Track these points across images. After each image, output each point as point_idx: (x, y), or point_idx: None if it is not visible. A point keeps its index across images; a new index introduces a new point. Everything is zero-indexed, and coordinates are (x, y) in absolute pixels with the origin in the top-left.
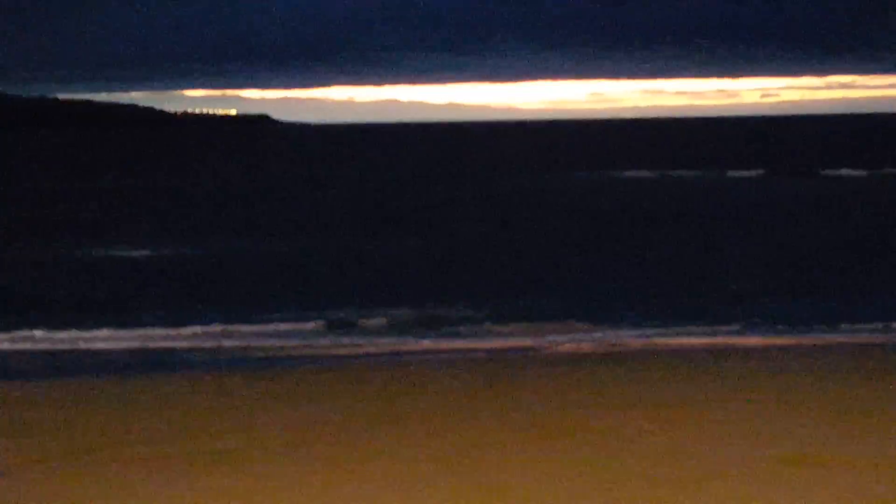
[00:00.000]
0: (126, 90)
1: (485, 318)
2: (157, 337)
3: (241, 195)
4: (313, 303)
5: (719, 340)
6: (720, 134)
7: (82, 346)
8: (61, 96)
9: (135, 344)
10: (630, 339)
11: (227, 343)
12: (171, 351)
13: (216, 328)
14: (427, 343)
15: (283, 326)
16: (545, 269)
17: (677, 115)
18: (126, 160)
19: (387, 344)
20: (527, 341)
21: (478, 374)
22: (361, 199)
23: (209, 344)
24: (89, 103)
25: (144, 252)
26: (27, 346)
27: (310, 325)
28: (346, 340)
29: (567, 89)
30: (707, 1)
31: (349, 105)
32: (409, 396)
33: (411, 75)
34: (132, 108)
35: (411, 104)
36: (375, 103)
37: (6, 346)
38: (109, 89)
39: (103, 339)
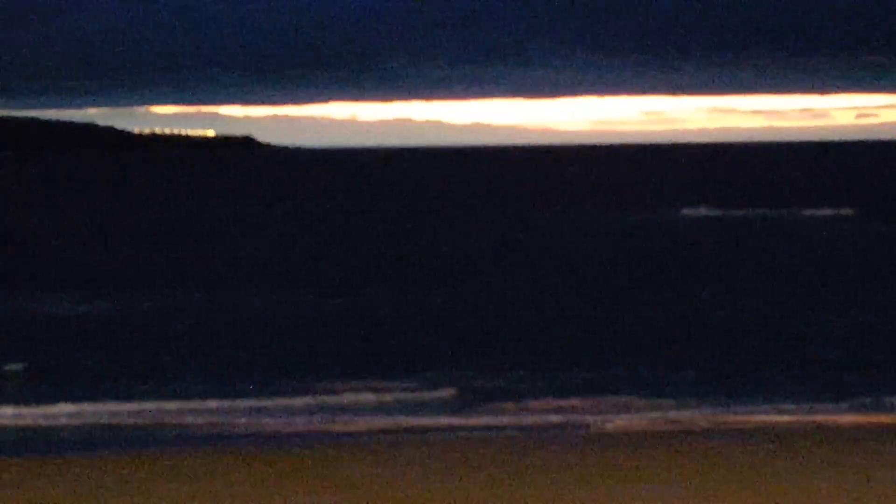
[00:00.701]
0: (81, 106)
1: (519, 389)
2: (125, 412)
3: (218, 234)
4: (298, 371)
5: (806, 418)
6: (804, 162)
7: (32, 421)
8: (0, 112)
9: (93, 419)
10: (695, 414)
11: (197, 419)
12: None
13: (188, 403)
14: (454, 419)
15: (265, 402)
16: (586, 328)
17: (753, 138)
18: (79, 190)
19: (392, 421)
20: (567, 417)
21: (509, 458)
22: (365, 241)
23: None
24: (34, 121)
25: (96, 306)
26: None
27: (303, 401)
28: (365, 418)
29: (617, 107)
30: (787, 1)
31: (351, 125)
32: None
33: (427, 89)
34: (88, 128)
35: (427, 124)
36: (384, 123)
37: None
38: (60, 105)
39: (58, 415)
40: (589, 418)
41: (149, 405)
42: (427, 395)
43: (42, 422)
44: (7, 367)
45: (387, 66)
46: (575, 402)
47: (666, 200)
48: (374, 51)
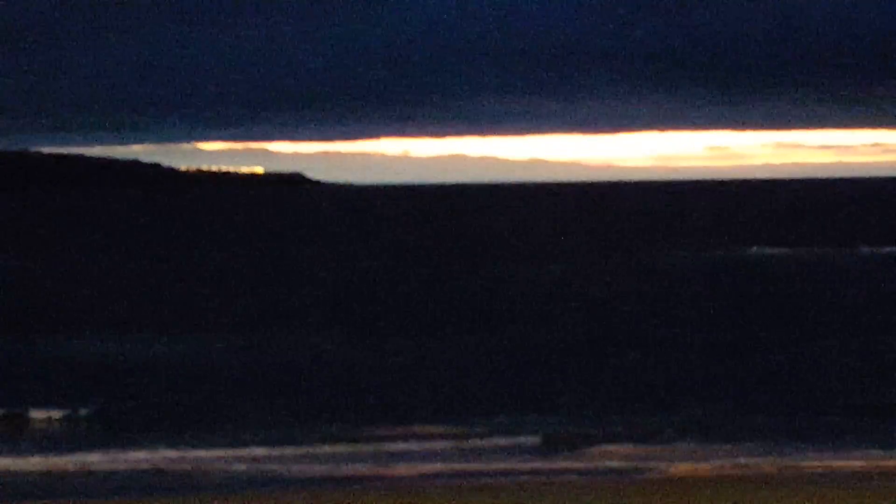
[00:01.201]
0: (126, 142)
1: (591, 434)
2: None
3: (268, 274)
4: (367, 415)
5: (877, 462)
6: (875, 199)
7: (72, 467)
8: (44, 149)
9: (143, 465)
10: (760, 459)
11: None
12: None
13: (241, 451)
14: (537, 464)
15: (297, 450)
16: (650, 371)
17: (820, 174)
18: (125, 230)
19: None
20: (632, 462)
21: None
22: (423, 281)
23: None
24: (80, 158)
25: (149, 348)
26: (20, 465)
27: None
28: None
29: (680, 142)
30: (857, 30)
31: (404, 161)
32: None
33: (482, 124)
34: (133, 165)
35: (482, 160)
36: (437, 159)
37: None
38: (105, 141)
39: (99, 462)
40: (659, 464)
41: (200, 452)
42: (507, 441)
43: (109, 466)
44: (75, 412)
45: (440, 101)
46: (645, 447)
47: (731, 239)
48: (427, 85)
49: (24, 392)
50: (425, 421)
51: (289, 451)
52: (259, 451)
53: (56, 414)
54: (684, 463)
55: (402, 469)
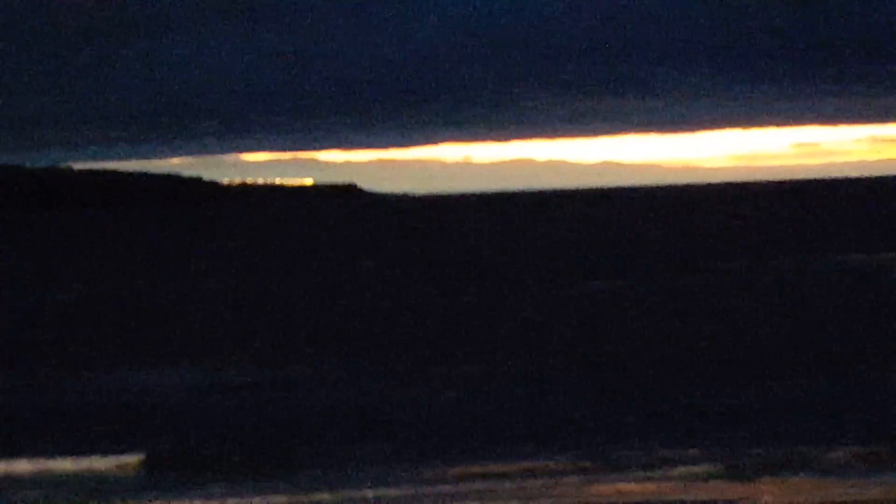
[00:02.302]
0: (164, 155)
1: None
2: None
3: (323, 295)
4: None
5: None
6: None
7: None
8: (77, 165)
9: None
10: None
11: None
12: None
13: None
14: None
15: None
16: (743, 392)
17: None
18: (164, 249)
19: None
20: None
21: None
22: (483, 300)
23: None
24: (114, 173)
25: (204, 379)
26: None
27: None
28: None
29: (764, 139)
30: None
31: (465, 168)
32: None
33: (551, 126)
34: (172, 179)
35: (551, 165)
36: (502, 165)
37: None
38: (141, 154)
39: None
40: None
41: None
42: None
43: None
44: (122, 458)
45: (502, 102)
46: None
47: (825, 244)
48: (488, 85)
49: (70, 435)
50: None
51: (382, 492)
52: (329, 497)
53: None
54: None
55: None
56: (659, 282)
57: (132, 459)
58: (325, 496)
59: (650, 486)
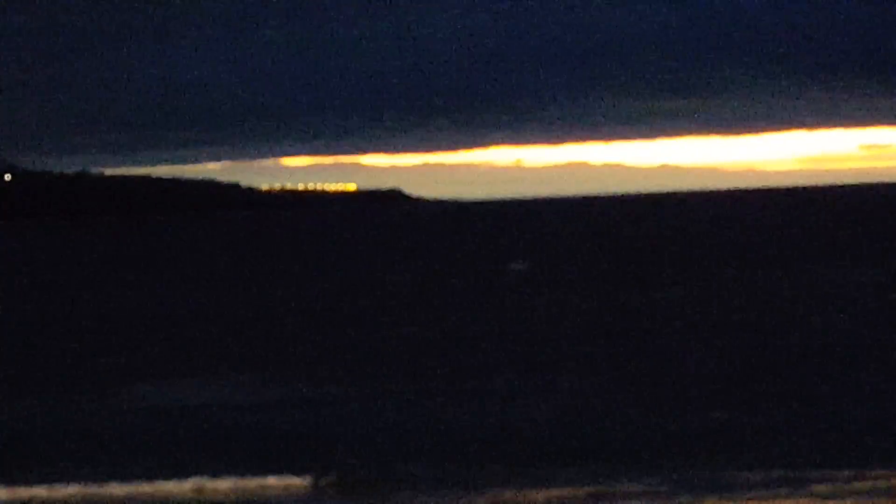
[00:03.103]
0: (200, 160)
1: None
2: None
3: (368, 305)
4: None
5: None
6: None
7: None
8: (108, 171)
9: None
10: None
11: None
12: None
13: None
14: None
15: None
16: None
17: None
18: (201, 257)
19: None
20: None
21: None
22: (538, 310)
23: None
24: (148, 179)
25: (244, 396)
26: None
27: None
28: None
29: (831, 141)
30: None
31: (516, 172)
32: None
33: (605, 128)
34: (209, 185)
35: (607, 168)
36: (555, 168)
37: None
38: (176, 160)
39: None
40: None
41: None
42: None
43: None
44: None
45: (556, 102)
46: None
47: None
48: (540, 85)
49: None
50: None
51: None
52: None
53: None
54: None
55: None
56: (724, 288)
57: (300, 481)
58: None
59: None
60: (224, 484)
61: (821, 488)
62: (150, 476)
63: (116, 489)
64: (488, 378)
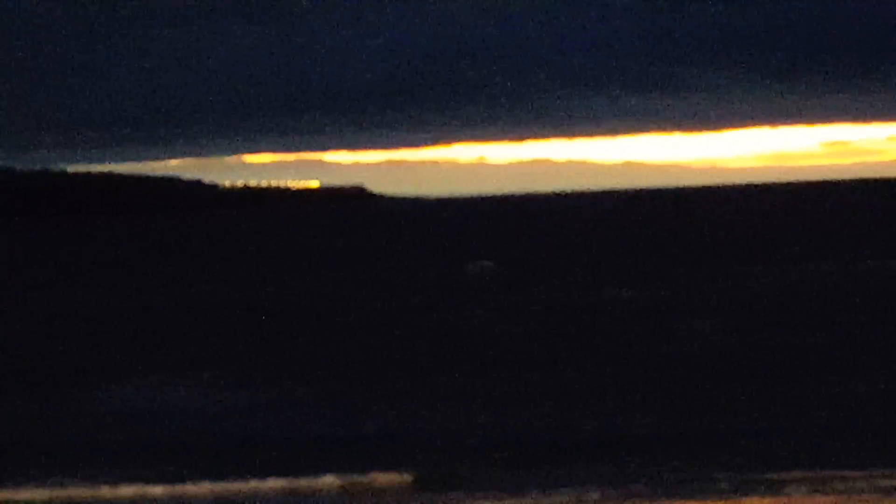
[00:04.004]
0: (161, 157)
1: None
2: None
3: (331, 306)
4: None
5: None
6: None
7: None
8: (71, 168)
9: None
10: None
11: None
12: None
13: None
14: None
15: None
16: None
17: None
18: (162, 255)
19: None
20: None
21: None
22: (503, 309)
23: None
24: (110, 176)
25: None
26: None
27: None
28: None
29: (793, 138)
30: None
31: (480, 169)
32: None
33: (568, 125)
34: (170, 182)
35: (569, 166)
36: (518, 166)
37: None
38: (137, 156)
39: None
40: None
41: None
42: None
43: None
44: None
45: (519, 99)
46: None
47: (855, 247)
48: (503, 81)
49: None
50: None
51: None
52: None
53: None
54: None
55: None
56: (684, 289)
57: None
58: None
59: None
60: (202, 488)
61: (802, 488)
62: (120, 480)
63: (83, 492)
64: (452, 377)
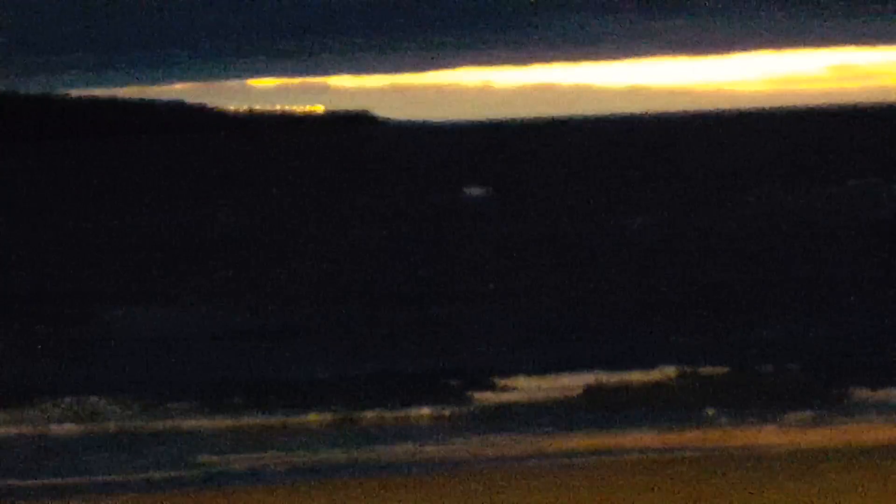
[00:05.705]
0: (167, 81)
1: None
2: None
3: (336, 232)
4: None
5: None
6: None
7: None
8: (74, 92)
9: None
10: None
11: None
12: None
13: None
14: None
15: None
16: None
17: None
18: (167, 180)
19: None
20: None
21: None
22: (506, 237)
23: None
24: (114, 101)
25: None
26: None
27: None
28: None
29: (800, 62)
30: None
31: (485, 94)
32: None
33: (573, 49)
34: (175, 106)
35: (576, 90)
36: (523, 90)
37: None
38: (142, 80)
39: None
40: None
41: None
42: None
43: None
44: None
45: (524, 24)
46: None
47: (862, 171)
48: (508, 6)
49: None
50: None
51: None
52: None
53: None
54: None
55: None
56: (690, 215)
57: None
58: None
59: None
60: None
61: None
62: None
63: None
64: (450, 305)
